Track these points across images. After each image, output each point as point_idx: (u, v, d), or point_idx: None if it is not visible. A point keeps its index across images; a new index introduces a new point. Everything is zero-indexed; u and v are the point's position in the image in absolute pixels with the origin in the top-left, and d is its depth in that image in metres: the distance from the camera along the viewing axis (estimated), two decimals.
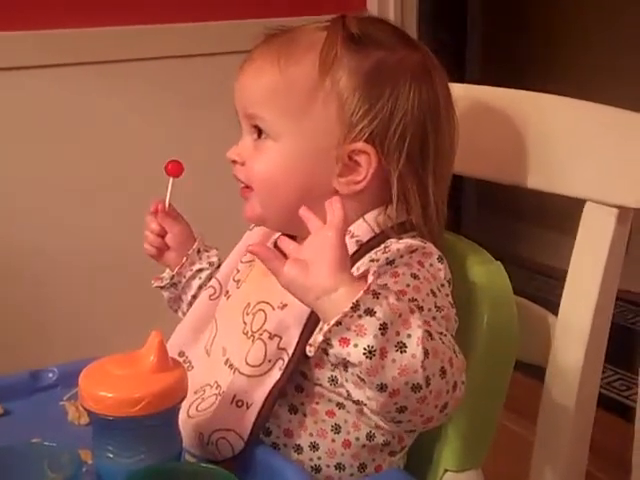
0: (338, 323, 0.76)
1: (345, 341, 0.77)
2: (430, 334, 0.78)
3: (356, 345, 0.76)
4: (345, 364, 0.78)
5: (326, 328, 0.77)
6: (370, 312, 0.76)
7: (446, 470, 0.99)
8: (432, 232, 0.94)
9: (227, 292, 1.02)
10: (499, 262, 1.00)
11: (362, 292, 0.77)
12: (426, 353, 0.77)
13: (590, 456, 1.10)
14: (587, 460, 1.09)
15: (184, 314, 1.08)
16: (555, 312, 1.06)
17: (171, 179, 1.08)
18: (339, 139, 0.91)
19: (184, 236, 1.10)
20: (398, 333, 0.77)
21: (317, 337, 0.78)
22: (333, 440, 0.91)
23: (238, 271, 1.02)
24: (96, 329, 1.81)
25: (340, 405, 0.90)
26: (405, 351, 0.76)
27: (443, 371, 0.78)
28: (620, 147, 1.00)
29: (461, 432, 0.97)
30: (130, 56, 1.81)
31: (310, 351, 0.79)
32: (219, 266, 1.08)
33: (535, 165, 1.06)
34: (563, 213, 1.31)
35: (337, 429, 0.91)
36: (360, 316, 0.76)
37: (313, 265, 0.80)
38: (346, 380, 0.81)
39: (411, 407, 0.79)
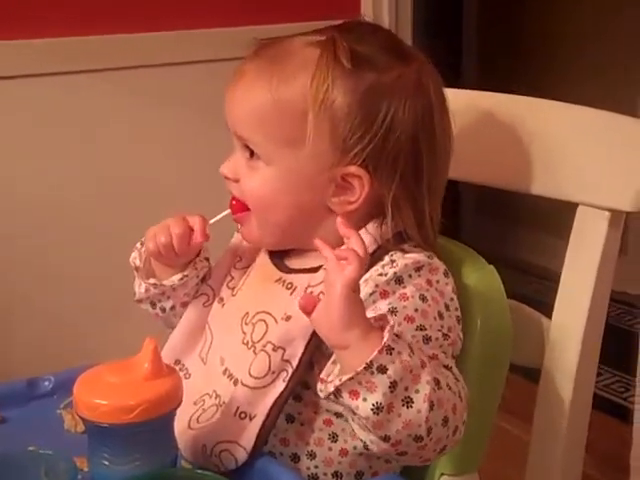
0: (350, 378, 0.77)
1: (355, 394, 0.78)
2: (438, 382, 0.80)
3: (365, 399, 0.77)
4: (353, 412, 0.79)
5: (338, 382, 0.78)
6: (382, 369, 0.77)
7: (442, 474, 0.99)
8: (427, 241, 0.93)
9: (221, 299, 1.00)
10: (492, 266, 1.00)
11: (376, 352, 0.77)
12: (431, 407, 0.78)
13: (589, 458, 1.10)
14: (583, 462, 1.09)
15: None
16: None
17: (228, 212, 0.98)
18: (332, 162, 0.90)
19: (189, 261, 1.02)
20: (407, 388, 0.78)
21: (329, 386, 0.79)
22: (330, 449, 0.91)
23: (232, 278, 1.01)
24: (91, 337, 1.81)
25: (338, 414, 0.90)
26: (411, 406, 0.78)
27: (445, 420, 0.80)
28: (613, 151, 1.01)
29: None
30: (125, 64, 1.81)
31: (321, 390, 0.80)
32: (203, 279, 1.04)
33: (529, 169, 1.06)
34: (558, 216, 1.31)
35: (334, 438, 0.91)
36: (372, 373, 0.77)
37: (326, 315, 0.80)
38: (352, 419, 0.82)
39: (411, 452, 0.81)
